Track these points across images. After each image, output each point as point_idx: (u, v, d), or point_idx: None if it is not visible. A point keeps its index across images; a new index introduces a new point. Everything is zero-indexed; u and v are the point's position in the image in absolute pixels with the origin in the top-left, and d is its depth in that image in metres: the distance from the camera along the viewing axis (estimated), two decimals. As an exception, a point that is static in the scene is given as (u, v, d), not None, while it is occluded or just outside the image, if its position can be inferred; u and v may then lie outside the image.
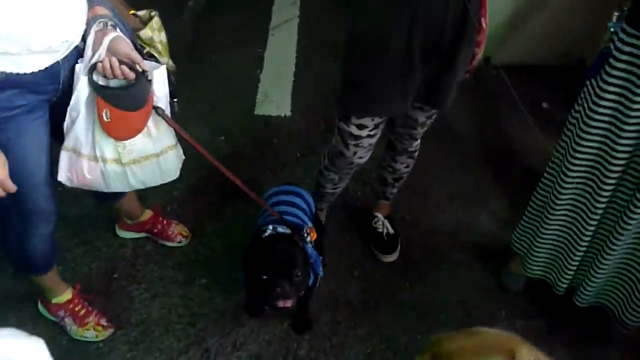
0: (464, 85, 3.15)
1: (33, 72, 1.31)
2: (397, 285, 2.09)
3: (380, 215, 2.24)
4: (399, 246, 2.20)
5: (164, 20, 3.38)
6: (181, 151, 1.72)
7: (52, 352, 0.99)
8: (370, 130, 1.74)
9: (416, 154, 2.03)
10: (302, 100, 2.98)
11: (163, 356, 1.83)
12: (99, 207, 2.15)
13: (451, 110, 2.94)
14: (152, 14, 1.69)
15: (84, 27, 1.41)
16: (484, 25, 1.57)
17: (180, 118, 2.59)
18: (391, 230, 2.21)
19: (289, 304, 1.55)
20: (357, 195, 2.44)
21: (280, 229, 1.67)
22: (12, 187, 1.33)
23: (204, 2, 3.81)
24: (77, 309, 1.84)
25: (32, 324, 1.87)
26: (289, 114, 2.90)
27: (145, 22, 1.66)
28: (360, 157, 1.84)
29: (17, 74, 1.29)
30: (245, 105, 2.93)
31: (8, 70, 1.27)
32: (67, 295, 1.84)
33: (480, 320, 1.97)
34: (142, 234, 2.18)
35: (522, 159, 2.71)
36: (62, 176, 1.59)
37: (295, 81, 3.13)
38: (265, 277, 1.52)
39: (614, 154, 1.54)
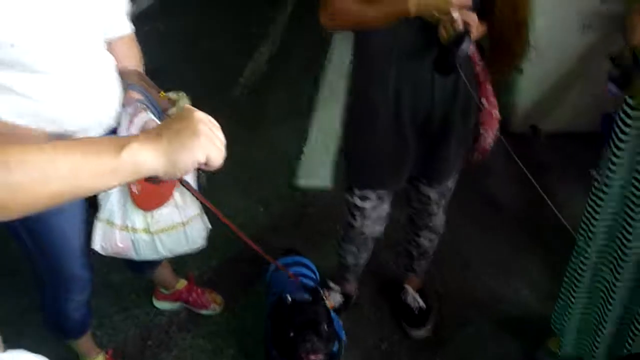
0: (509, 154, 3.15)
1: None
2: (426, 360, 2.03)
3: (409, 288, 2.19)
4: (430, 321, 2.14)
5: (215, 96, 3.63)
6: (207, 220, 1.81)
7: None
8: (374, 202, 1.76)
9: (440, 229, 2.00)
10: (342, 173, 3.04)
11: None
12: (136, 277, 2.26)
13: (496, 180, 2.94)
14: (180, 95, 1.83)
15: (118, 109, 1.56)
16: (485, 104, 1.59)
17: (222, 188, 2.72)
18: (422, 304, 2.15)
19: (319, 358, 1.54)
20: (387, 265, 2.42)
21: (298, 296, 1.68)
22: None
23: (255, 79, 4.04)
24: (107, 375, 1.91)
25: (68, 388, 1.96)
26: (329, 186, 2.96)
27: (174, 103, 1.80)
28: (371, 229, 1.85)
29: None
30: (287, 177, 3.03)
31: None
32: (99, 360, 1.93)
33: None
34: (177, 304, 2.26)
35: (567, 229, 2.61)
36: (97, 245, 1.69)
37: (338, 155, 3.21)
38: (292, 334, 1.53)
39: (632, 222, 1.47)
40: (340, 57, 4.26)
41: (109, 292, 2.29)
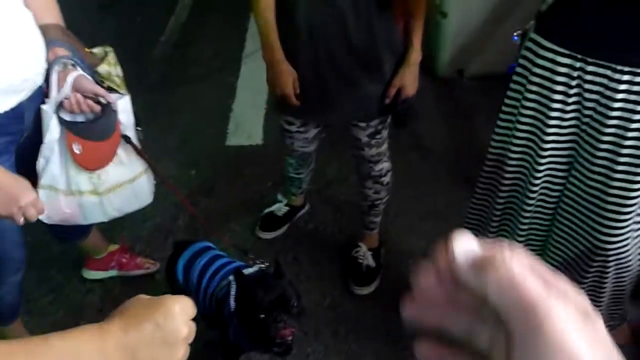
0: (437, 98, 3.16)
1: None
2: (369, 312, 2.04)
3: (363, 246, 2.17)
4: (376, 280, 2.13)
5: (137, 56, 3.43)
6: (152, 176, 1.79)
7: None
8: (299, 127, 1.92)
9: (384, 180, 2.01)
10: (274, 128, 2.94)
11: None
12: (67, 245, 2.12)
13: (423, 125, 2.95)
14: (107, 50, 1.76)
15: (44, 66, 1.48)
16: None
17: (151, 153, 2.61)
18: (372, 263, 2.13)
19: (289, 335, 1.48)
20: (327, 222, 2.40)
21: (251, 270, 1.62)
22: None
23: (175, 37, 3.83)
24: (38, 361, 1.81)
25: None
26: (260, 142, 2.88)
27: (101, 59, 1.73)
28: (301, 147, 2.00)
29: None
30: (217, 137, 2.92)
31: None
32: (28, 347, 1.82)
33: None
34: (110, 272, 2.16)
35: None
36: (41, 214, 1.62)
37: (267, 109, 3.12)
38: (263, 315, 1.44)
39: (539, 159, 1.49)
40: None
41: (33, 273, 2.14)
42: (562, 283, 0.33)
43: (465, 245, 0.34)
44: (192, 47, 3.74)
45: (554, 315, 0.30)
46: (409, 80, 1.69)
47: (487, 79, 3.17)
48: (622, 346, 0.34)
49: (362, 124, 1.81)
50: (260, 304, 1.44)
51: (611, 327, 1.76)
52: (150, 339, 0.61)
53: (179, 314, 0.62)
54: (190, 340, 0.64)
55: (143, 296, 0.65)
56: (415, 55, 1.68)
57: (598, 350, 0.31)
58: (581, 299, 0.33)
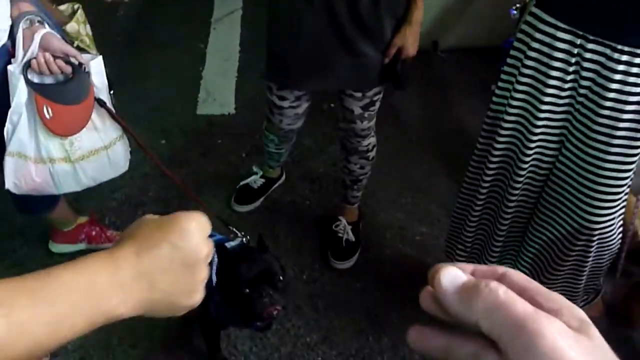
0: (411, 70, 3.13)
1: None
2: (348, 287, 2.03)
3: (343, 220, 2.14)
4: (356, 255, 2.11)
5: (101, 17, 3.25)
6: (127, 142, 1.70)
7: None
8: (292, 102, 1.82)
9: (370, 155, 1.99)
10: (246, 96, 2.87)
11: (103, 381, 1.74)
12: (32, 217, 2.01)
13: (399, 98, 2.92)
14: (76, 7, 1.64)
15: (8, 22, 1.38)
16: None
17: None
18: (352, 237, 2.11)
19: (277, 313, 1.43)
20: (305, 195, 2.36)
21: (234, 243, 1.58)
22: None
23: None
24: (6, 338, 1.73)
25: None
26: (233, 111, 2.79)
27: (69, 16, 1.61)
28: (288, 125, 1.91)
29: None
30: (187, 105, 2.81)
31: None
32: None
33: (431, 316, 1.94)
34: (79, 246, 2.06)
35: (473, 144, 2.67)
36: (9, 183, 1.55)
37: (238, 77, 3.02)
38: (247, 290, 1.40)
39: (527, 143, 1.48)
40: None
41: (-5, 245, 2.05)
42: (555, 298, 0.34)
43: (452, 276, 0.35)
44: (159, 9, 3.57)
45: (544, 331, 0.31)
46: (411, 39, 1.63)
47: (460, 52, 3.16)
48: (596, 319, 0.35)
49: (358, 94, 1.75)
50: (245, 279, 1.40)
51: (586, 302, 1.80)
52: (167, 263, 0.54)
53: (196, 231, 0.56)
54: (210, 259, 0.58)
55: (151, 215, 0.58)
56: (418, 13, 1.61)
57: None
58: (576, 311, 0.34)
